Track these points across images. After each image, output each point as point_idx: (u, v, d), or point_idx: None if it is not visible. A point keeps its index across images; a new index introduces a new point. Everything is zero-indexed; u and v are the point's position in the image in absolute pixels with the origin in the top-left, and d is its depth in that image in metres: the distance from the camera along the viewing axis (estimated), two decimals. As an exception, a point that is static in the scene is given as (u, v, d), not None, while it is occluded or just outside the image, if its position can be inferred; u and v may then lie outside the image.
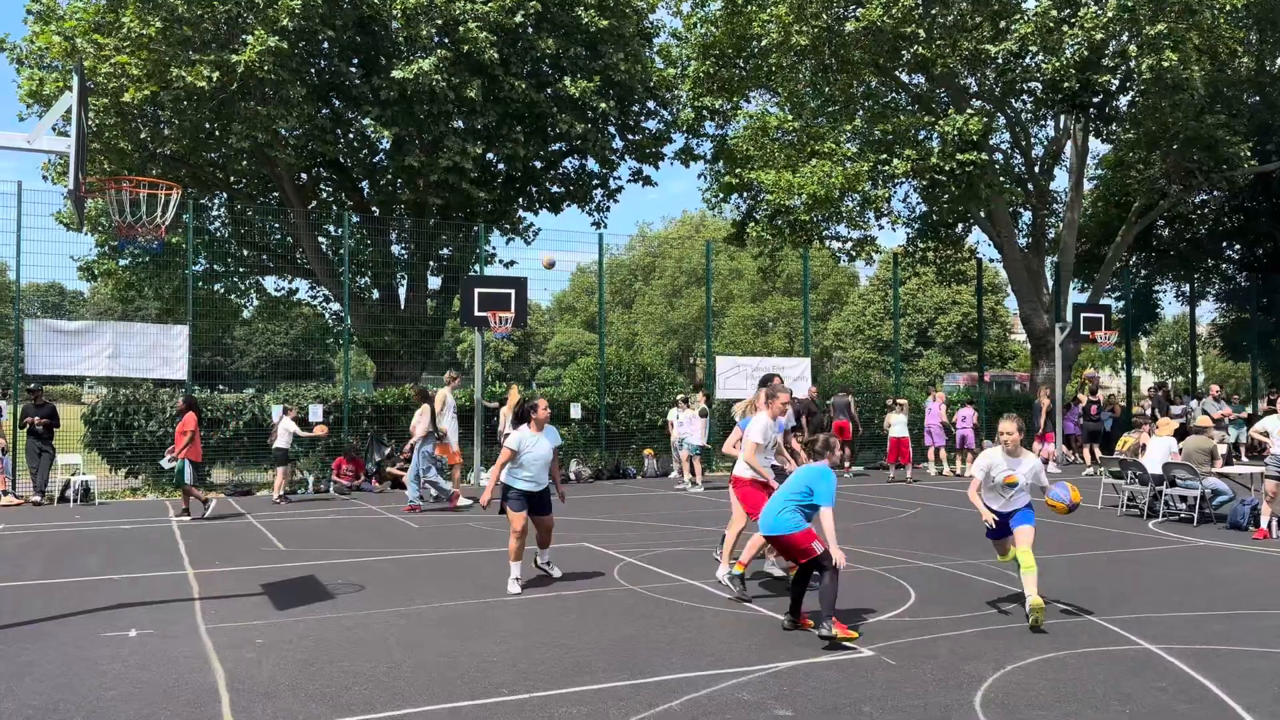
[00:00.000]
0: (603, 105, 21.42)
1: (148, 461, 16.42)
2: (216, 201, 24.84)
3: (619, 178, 25.38)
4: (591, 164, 24.84)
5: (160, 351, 16.39)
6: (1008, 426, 7.08)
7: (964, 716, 5.03)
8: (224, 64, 18.24)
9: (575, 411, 19.11)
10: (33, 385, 15.71)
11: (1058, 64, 19.82)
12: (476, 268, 20.86)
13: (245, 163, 22.74)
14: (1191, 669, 5.85)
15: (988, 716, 5.02)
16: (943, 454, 19.95)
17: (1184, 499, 12.73)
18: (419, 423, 14.09)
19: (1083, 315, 22.29)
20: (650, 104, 24.36)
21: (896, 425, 18.73)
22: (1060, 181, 26.31)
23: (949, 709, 5.14)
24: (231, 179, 24.04)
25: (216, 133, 20.71)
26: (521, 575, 8.21)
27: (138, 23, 17.78)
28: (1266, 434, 13.96)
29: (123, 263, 23.80)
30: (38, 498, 15.01)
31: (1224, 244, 30.11)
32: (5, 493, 14.93)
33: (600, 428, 19.81)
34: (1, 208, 15.95)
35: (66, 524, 12.63)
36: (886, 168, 20.66)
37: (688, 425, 17.59)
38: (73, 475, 15.33)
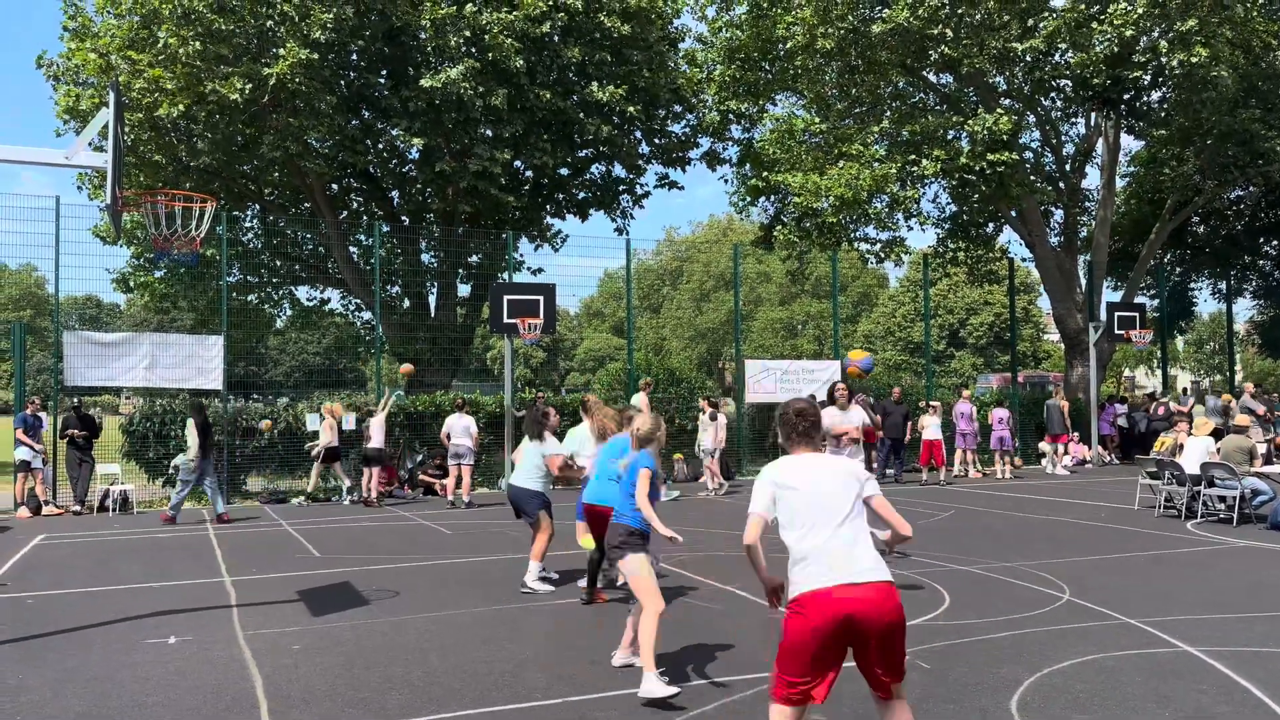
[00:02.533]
0: (630, 109, 21.46)
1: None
2: (249, 213, 25.18)
3: (645, 184, 25.37)
4: (618, 169, 24.92)
5: (196, 362, 16.60)
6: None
7: (1001, 720, 4.99)
8: (256, 77, 18.48)
9: None
10: (72, 397, 15.97)
11: (1087, 61, 19.63)
12: (505, 275, 20.97)
13: (277, 174, 23.02)
14: (1232, 671, 5.76)
15: (1025, 720, 4.98)
16: (970, 455, 19.73)
17: (1223, 499, 12.54)
18: (190, 436, 13.88)
19: (1117, 314, 22.05)
20: (676, 108, 24.39)
21: (930, 428, 18.57)
22: (1092, 179, 26.08)
23: (985, 712, 5.10)
24: (264, 191, 24.36)
25: (249, 145, 20.99)
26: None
27: (175, 40, 18.05)
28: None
29: (158, 274, 24.18)
30: (78, 507, 15.25)
31: (1261, 239, 29.63)
32: (46, 503, 15.20)
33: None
34: (40, 222, 16.20)
35: (106, 533, 12.84)
36: (915, 168, 20.53)
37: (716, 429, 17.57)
38: (111, 485, 15.53)
